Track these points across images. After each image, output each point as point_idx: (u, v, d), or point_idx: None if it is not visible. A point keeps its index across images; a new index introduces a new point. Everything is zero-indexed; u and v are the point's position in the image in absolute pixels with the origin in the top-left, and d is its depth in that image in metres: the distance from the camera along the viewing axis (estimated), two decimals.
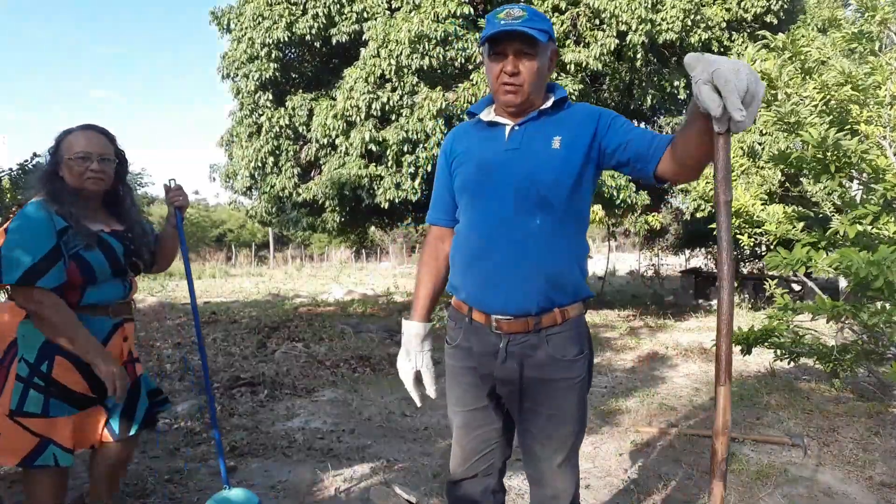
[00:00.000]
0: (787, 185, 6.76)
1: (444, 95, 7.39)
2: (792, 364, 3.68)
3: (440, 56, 7.31)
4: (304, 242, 32.00)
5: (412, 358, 1.70)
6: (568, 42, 7.91)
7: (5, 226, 1.90)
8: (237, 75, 9.07)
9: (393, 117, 7.75)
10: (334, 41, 8.23)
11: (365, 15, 8.04)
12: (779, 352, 3.63)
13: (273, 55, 8.50)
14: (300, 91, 8.96)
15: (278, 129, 8.78)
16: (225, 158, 10.23)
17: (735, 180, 3.93)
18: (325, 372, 5.20)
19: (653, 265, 14.82)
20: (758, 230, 3.94)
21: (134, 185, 2.27)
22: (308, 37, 8.30)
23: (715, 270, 12.84)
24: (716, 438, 1.17)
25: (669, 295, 12.35)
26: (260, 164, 8.91)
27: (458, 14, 7.37)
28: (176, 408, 3.99)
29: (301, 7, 8.30)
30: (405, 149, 7.62)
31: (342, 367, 5.35)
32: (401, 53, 7.30)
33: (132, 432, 2.05)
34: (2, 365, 1.90)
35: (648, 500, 2.72)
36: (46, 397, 1.85)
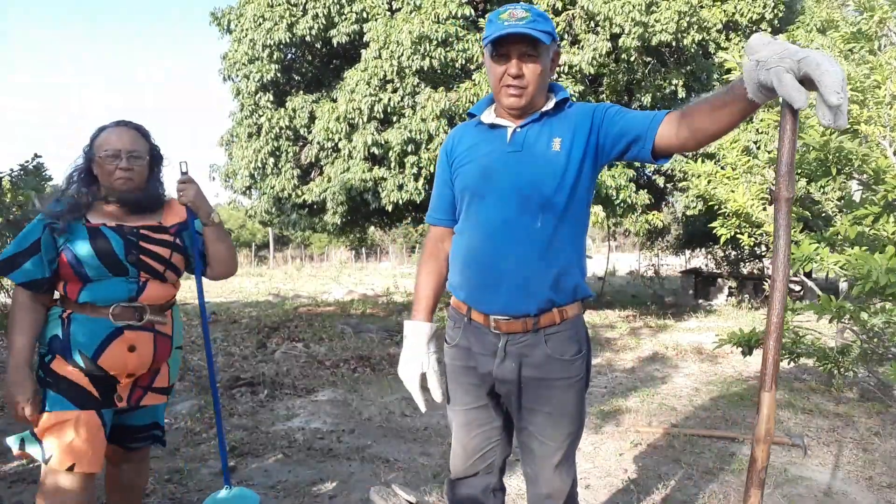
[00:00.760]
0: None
1: (446, 96, 7.39)
2: (792, 364, 3.68)
3: (441, 57, 7.32)
4: (304, 242, 32.01)
5: (418, 360, 1.63)
6: (564, 44, 7.92)
7: None
8: (238, 76, 9.07)
9: (395, 119, 7.75)
10: (335, 42, 8.23)
11: (365, 15, 8.05)
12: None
13: (274, 56, 8.51)
14: (301, 92, 8.97)
15: (278, 130, 8.78)
16: (225, 158, 10.24)
17: (736, 179, 3.92)
18: (325, 372, 5.20)
19: (653, 265, 14.82)
20: (758, 230, 3.94)
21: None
22: (308, 38, 8.30)
23: (714, 270, 12.85)
24: (756, 445, 1.12)
25: (669, 295, 12.35)
26: (260, 165, 8.92)
27: (459, 15, 7.38)
28: (176, 408, 4.00)
29: (301, 8, 8.30)
30: (408, 150, 7.63)
31: (342, 367, 5.35)
32: (402, 54, 7.30)
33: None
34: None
35: (648, 500, 2.72)
36: (48, 391, 1.79)
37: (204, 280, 2.08)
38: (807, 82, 1.03)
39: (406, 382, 1.64)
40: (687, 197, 7.81)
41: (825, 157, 3.24)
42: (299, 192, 8.86)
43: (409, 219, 10.57)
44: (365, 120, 7.69)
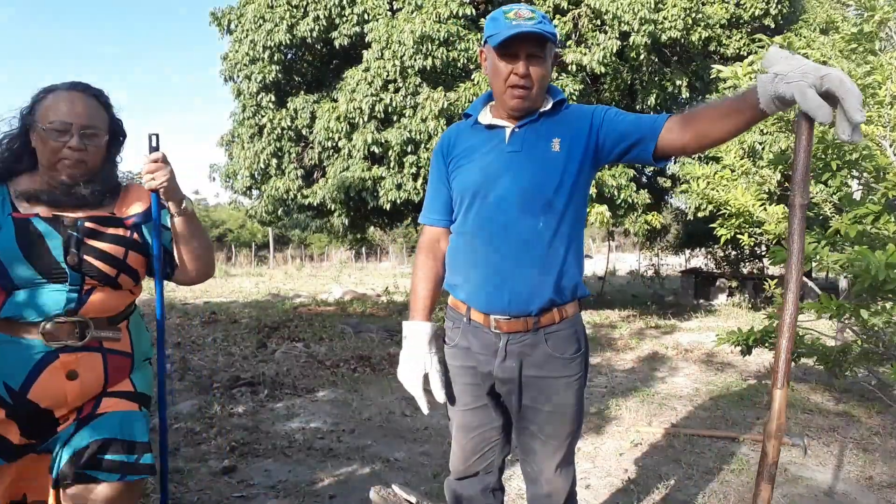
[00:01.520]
0: (787, 184, 6.76)
1: (445, 95, 7.40)
2: (792, 364, 3.68)
3: (443, 57, 7.32)
4: (304, 242, 32.02)
5: (419, 360, 1.60)
6: (569, 43, 7.92)
7: None
8: (239, 77, 9.07)
9: (395, 118, 7.76)
10: (336, 44, 8.23)
11: (366, 17, 8.05)
12: None
13: (275, 58, 8.51)
14: (302, 92, 8.97)
15: (280, 131, 8.78)
16: (225, 158, 10.24)
17: (735, 180, 3.93)
18: (325, 372, 5.20)
19: (653, 265, 14.82)
20: (758, 230, 3.94)
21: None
22: (309, 39, 8.30)
23: (714, 271, 12.85)
24: (767, 440, 1.18)
25: (670, 295, 12.35)
26: (262, 166, 8.92)
27: (460, 14, 7.38)
28: (176, 408, 4.00)
29: (302, 9, 8.30)
30: (407, 149, 7.63)
31: (342, 367, 5.35)
32: (405, 54, 7.31)
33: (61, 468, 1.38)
34: None
35: (648, 499, 2.72)
36: None
37: (190, 282, 1.69)
38: (827, 98, 1.08)
39: (407, 384, 1.62)
40: (697, 196, 7.83)
41: (825, 154, 3.24)
42: (304, 194, 8.86)
43: (409, 219, 10.57)
44: (366, 119, 7.69)
